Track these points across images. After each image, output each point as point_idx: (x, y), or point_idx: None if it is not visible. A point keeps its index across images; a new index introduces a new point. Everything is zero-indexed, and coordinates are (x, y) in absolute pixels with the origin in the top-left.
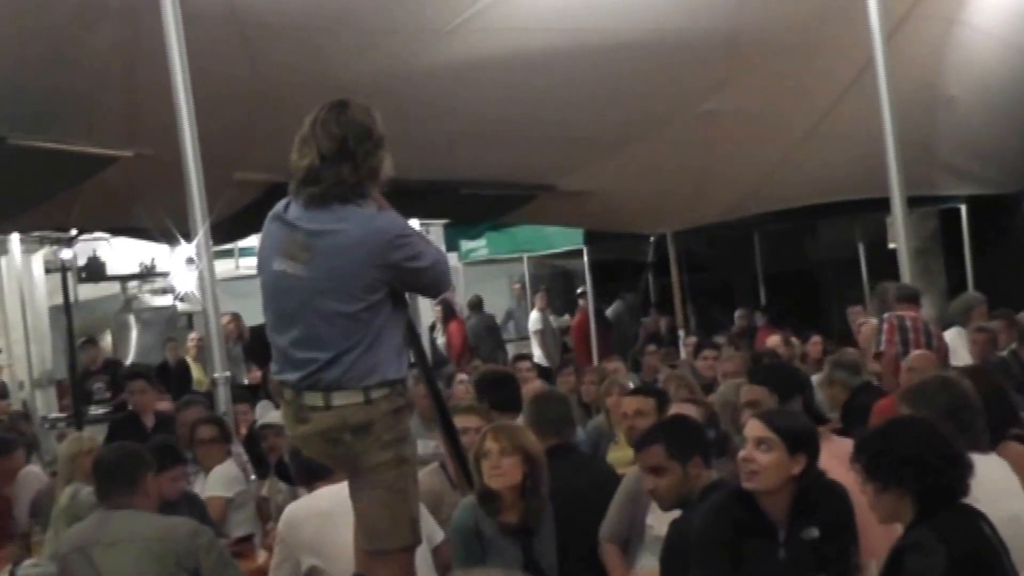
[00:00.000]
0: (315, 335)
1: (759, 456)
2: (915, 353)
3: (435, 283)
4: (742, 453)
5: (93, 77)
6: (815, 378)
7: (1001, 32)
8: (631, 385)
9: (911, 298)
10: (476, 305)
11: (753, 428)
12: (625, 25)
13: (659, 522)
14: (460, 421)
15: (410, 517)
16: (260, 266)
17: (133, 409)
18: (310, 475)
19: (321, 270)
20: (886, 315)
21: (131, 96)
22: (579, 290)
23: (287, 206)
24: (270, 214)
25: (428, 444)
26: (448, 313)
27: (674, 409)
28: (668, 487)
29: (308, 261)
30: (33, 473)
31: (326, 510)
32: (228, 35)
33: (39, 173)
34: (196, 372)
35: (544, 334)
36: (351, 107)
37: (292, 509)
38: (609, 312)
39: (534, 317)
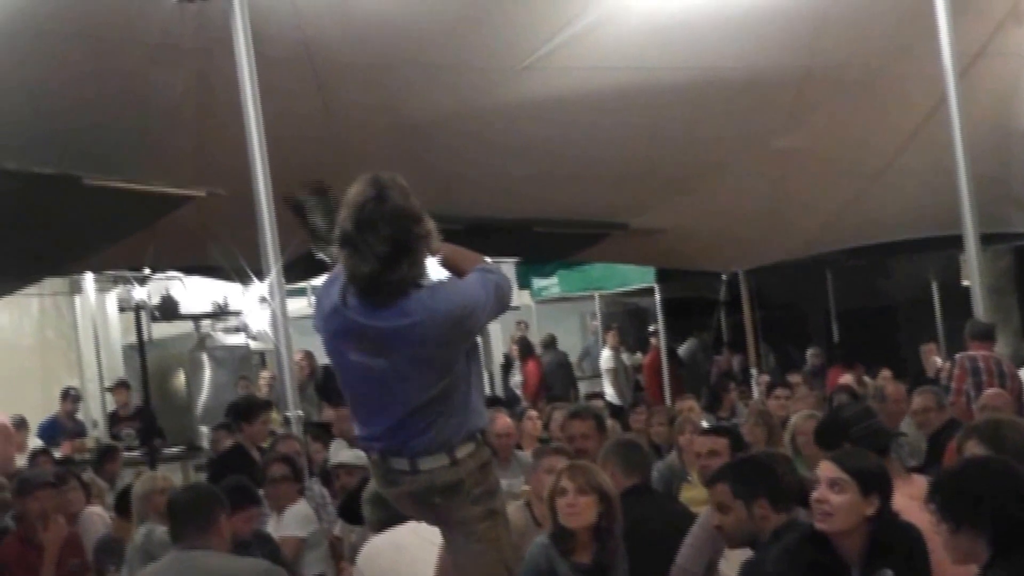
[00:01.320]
0: (399, 418)
1: (832, 497)
2: (989, 392)
3: (500, 313)
4: (815, 494)
5: (167, 117)
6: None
7: None
8: (704, 424)
9: (984, 335)
10: (550, 344)
11: (826, 469)
12: (697, 63)
13: (731, 564)
14: (548, 462)
15: (505, 566)
16: (331, 350)
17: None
18: (382, 526)
19: (400, 362)
20: (957, 356)
21: (204, 135)
22: (651, 328)
23: (344, 297)
24: (331, 304)
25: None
26: (525, 351)
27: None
28: (733, 525)
29: (385, 355)
30: (96, 514)
31: (403, 544)
32: (301, 74)
33: (114, 212)
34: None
35: (616, 372)
36: (389, 192)
37: (371, 543)
38: (682, 351)
39: (606, 355)
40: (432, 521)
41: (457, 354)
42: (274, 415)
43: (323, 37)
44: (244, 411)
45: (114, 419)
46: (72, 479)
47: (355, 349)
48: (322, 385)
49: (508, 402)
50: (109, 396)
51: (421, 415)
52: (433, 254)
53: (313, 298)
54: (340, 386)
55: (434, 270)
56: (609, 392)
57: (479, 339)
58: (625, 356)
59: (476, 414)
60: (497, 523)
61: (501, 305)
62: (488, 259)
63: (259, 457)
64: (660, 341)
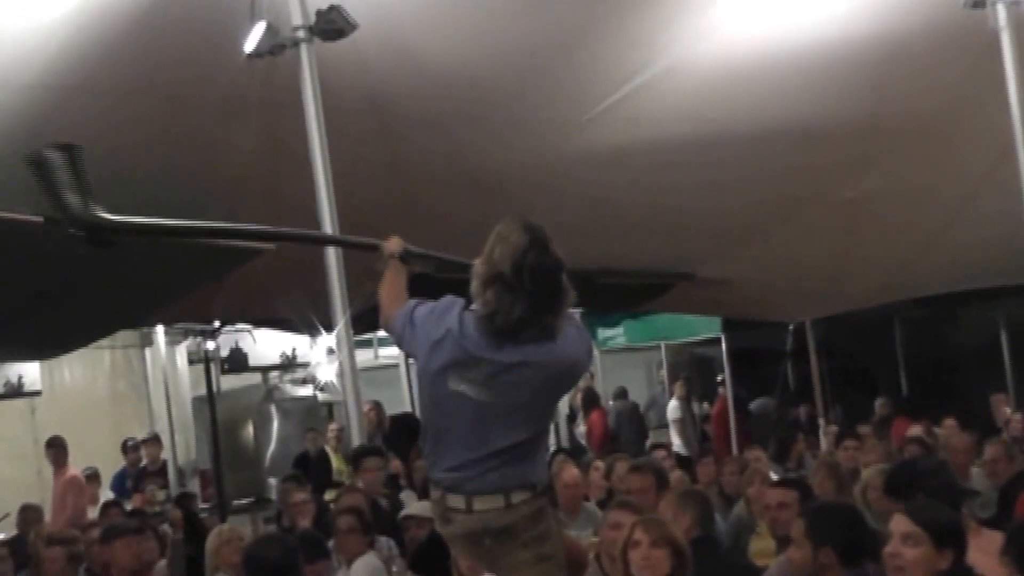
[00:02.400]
0: (480, 456)
1: (906, 551)
2: None
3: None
4: (888, 548)
5: (237, 172)
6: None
7: None
8: (773, 475)
9: None
10: (621, 395)
11: (899, 523)
12: (763, 114)
13: None
14: (615, 516)
15: None
16: (430, 377)
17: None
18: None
19: (504, 400)
20: (1014, 415)
21: (274, 188)
22: (719, 378)
23: (461, 324)
24: (444, 330)
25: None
26: (590, 401)
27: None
28: (801, 562)
29: (493, 390)
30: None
31: None
32: (368, 126)
33: (184, 267)
34: (336, 462)
35: (683, 423)
36: (549, 244)
37: None
38: (753, 407)
39: (673, 405)
40: (484, 564)
41: (555, 405)
42: (342, 467)
43: (390, 89)
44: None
45: (143, 474)
46: (148, 529)
47: (460, 378)
48: (389, 436)
49: (573, 452)
50: (179, 447)
51: (499, 457)
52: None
53: (380, 350)
54: (424, 419)
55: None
56: (677, 443)
57: None
58: (693, 406)
59: (541, 466)
60: (548, 569)
61: (589, 363)
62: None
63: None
64: (727, 391)
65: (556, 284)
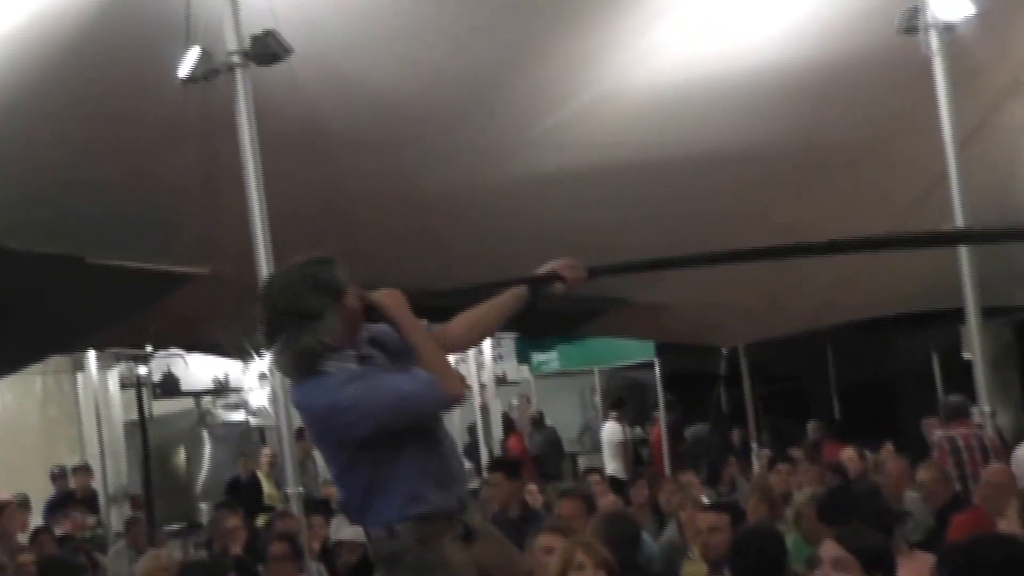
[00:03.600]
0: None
1: None
2: (992, 468)
3: (405, 422)
4: (818, 573)
5: (171, 196)
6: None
7: None
8: (705, 499)
9: (957, 413)
10: (537, 421)
11: (829, 548)
12: (697, 139)
13: None
14: (546, 540)
15: None
16: None
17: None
18: None
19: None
20: (936, 438)
21: (208, 214)
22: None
23: None
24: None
25: None
26: (507, 427)
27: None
28: None
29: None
30: None
31: None
32: (304, 152)
33: (117, 292)
34: (268, 487)
35: (616, 446)
36: (275, 282)
37: None
38: (689, 432)
39: (607, 429)
40: None
41: (333, 447)
42: (273, 492)
43: (325, 113)
44: None
45: (66, 500)
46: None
47: None
48: None
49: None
50: (110, 473)
51: (347, 488)
52: (316, 353)
53: None
54: None
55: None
56: (611, 467)
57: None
58: (627, 430)
59: (413, 501)
60: None
61: (402, 418)
62: (434, 367)
63: None
64: (660, 415)
65: (272, 318)
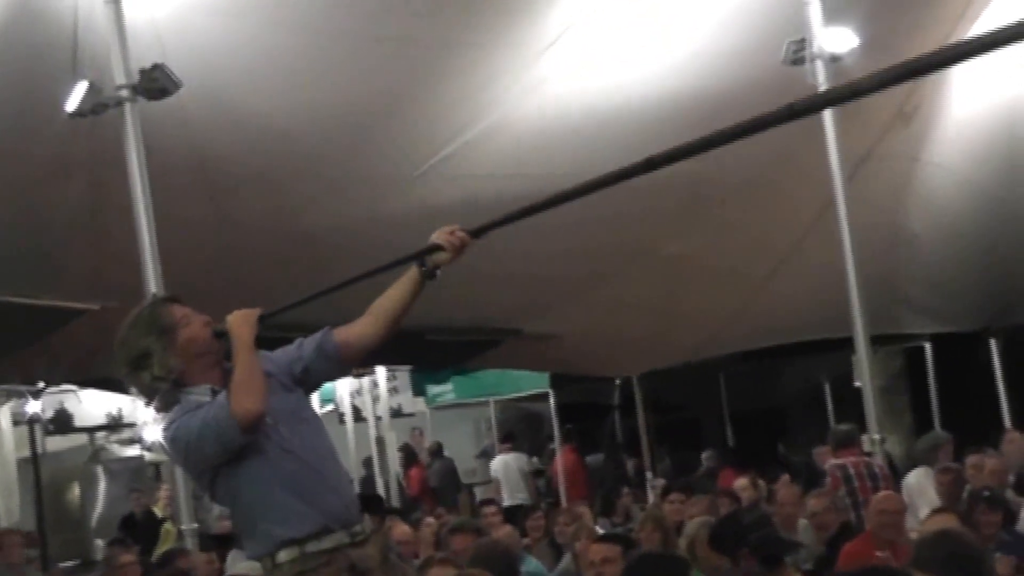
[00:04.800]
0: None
1: None
2: (880, 495)
3: (220, 443)
4: None
5: (60, 231)
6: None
7: (961, 169)
8: (599, 530)
9: (845, 441)
10: (436, 451)
11: None
12: (585, 171)
13: None
14: (439, 572)
15: None
16: None
17: None
18: None
19: None
20: (827, 465)
21: (97, 249)
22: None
23: None
24: None
25: None
26: (409, 459)
27: None
28: None
29: None
30: None
31: None
32: (194, 185)
33: (6, 327)
34: (167, 523)
35: (525, 476)
36: (130, 320)
37: None
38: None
39: (501, 461)
40: None
41: (196, 476)
42: (169, 527)
43: (216, 146)
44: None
45: None
46: None
47: None
48: None
49: (405, 510)
50: (2, 510)
51: (233, 519)
52: (157, 389)
53: None
54: None
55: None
56: (522, 497)
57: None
58: (525, 461)
59: (261, 543)
60: None
61: (221, 445)
62: (233, 384)
63: None
64: (556, 445)
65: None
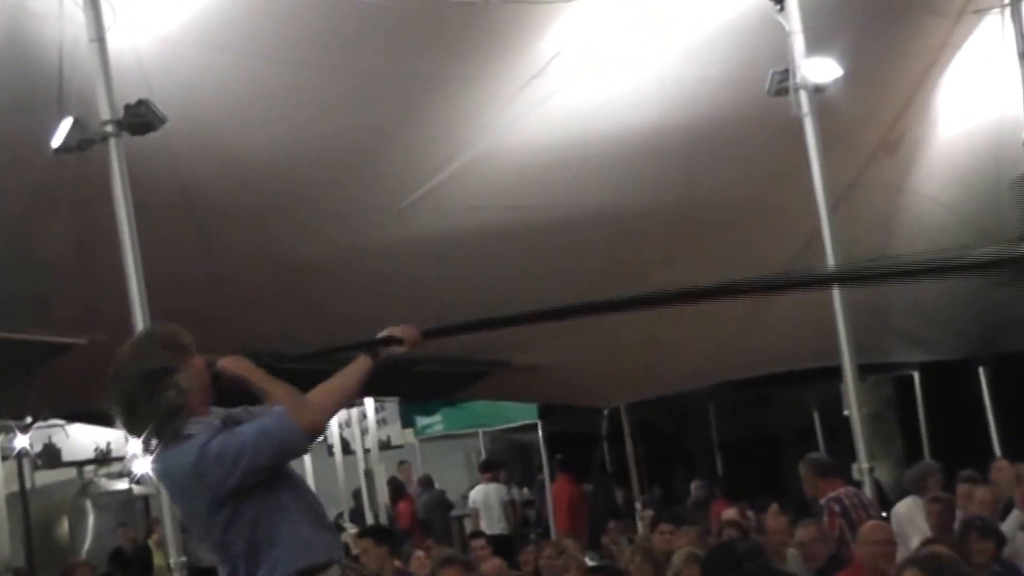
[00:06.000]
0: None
1: None
2: (869, 525)
3: (278, 453)
4: None
5: (47, 266)
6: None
7: (947, 199)
8: (588, 562)
9: (830, 470)
10: (427, 483)
11: None
12: (571, 201)
13: None
14: None
15: None
16: None
17: None
18: None
19: (181, 510)
20: (823, 501)
21: (85, 284)
22: (554, 459)
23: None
24: None
25: None
26: (397, 492)
27: None
28: None
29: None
30: None
31: None
32: (181, 220)
33: None
34: (158, 557)
35: (505, 506)
36: (132, 350)
37: None
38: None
39: (482, 491)
40: None
41: (203, 505)
42: (159, 561)
43: (201, 181)
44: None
45: None
46: None
47: None
48: None
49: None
50: None
51: (232, 549)
52: (178, 407)
53: None
54: None
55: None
56: (500, 527)
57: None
58: (501, 489)
59: (301, 548)
60: None
61: (275, 456)
62: (284, 401)
63: None
64: (545, 476)
65: (131, 391)
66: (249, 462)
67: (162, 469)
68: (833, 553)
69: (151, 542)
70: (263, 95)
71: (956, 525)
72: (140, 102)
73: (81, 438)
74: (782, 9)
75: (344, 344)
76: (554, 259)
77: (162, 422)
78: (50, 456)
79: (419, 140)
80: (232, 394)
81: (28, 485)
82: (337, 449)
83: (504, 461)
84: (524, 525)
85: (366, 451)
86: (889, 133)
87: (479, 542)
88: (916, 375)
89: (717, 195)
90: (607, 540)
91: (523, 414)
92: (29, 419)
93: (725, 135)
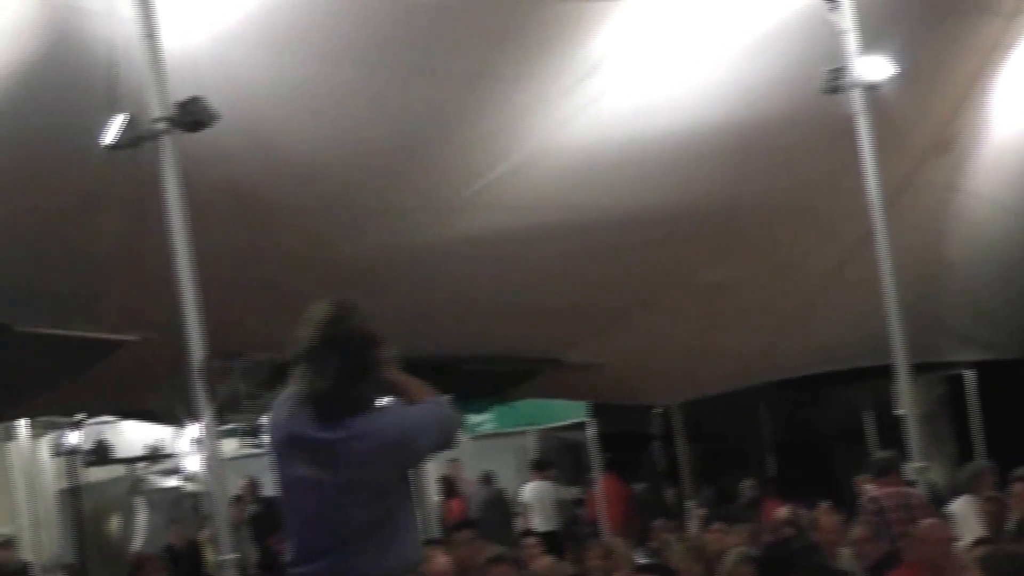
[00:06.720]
0: (340, 539)
1: None
2: (928, 523)
3: (444, 448)
4: None
5: (99, 265)
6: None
7: (999, 197)
8: (638, 560)
9: (882, 470)
10: (485, 480)
11: None
12: (624, 201)
13: None
14: None
15: None
16: (277, 464)
17: None
18: None
19: (344, 479)
20: (861, 500)
21: (136, 281)
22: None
23: (289, 408)
24: (281, 416)
25: None
26: (449, 490)
27: None
28: None
29: (332, 469)
30: None
31: None
32: (230, 217)
33: (46, 359)
34: (209, 554)
35: (554, 505)
36: (353, 314)
37: None
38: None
39: (533, 488)
40: None
41: (392, 480)
42: (210, 558)
43: (252, 178)
44: None
45: None
46: None
47: (302, 462)
48: (257, 517)
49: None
50: (46, 542)
51: (358, 543)
52: (389, 380)
53: (247, 439)
54: (282, 505)
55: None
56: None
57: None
58: (553, 487)
59: (414, 547)
60: None
61: (445, 440)
62: (439, 395)
63: None
64: (595, 474)
65: (362, 355)
66: (436, 444)
67: (357, 431)
68: (886, 552)
69: (202, 538)
70: (315, 94)
71: (1009, 524)
72: (192, 99)
73: (132, 435)
74: (835, 8)
75: None
76: (603, 259)
77: (376, 387)
78: (101, 453)
79: (469, 140)
80: None
81: (80, 482)
82: None
83: (553, 460)
84: (574, 524)
85: None
86: (942, 132)
87: (530, 540)
88: (969, 374)
89: (768, 194)
90: (654, 537)
91: (573, 412)
92: (80, 416)
93: (776, 136)
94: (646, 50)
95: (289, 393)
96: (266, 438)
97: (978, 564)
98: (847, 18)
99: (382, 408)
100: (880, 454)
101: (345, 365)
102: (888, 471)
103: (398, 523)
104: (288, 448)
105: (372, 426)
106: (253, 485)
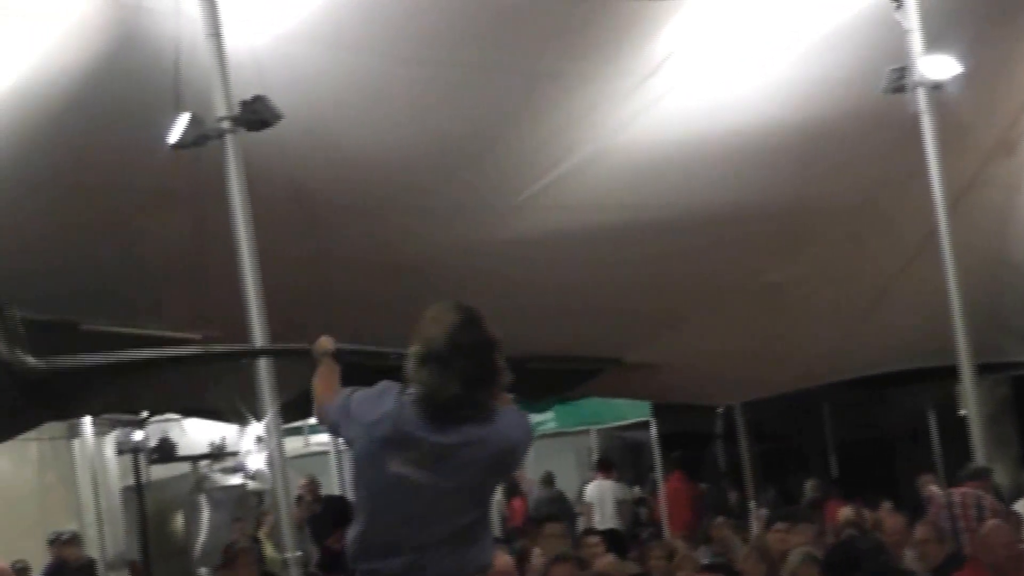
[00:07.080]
0: (431, 540)
1: None
2: (991, 525)
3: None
4: None
5: (162, 262)
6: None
7: None
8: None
9: (972, 476)
10: (547, 481)
11: None
12: (686, 200)
13: None
14: None
15: None
16: (368, 459)
17: None
18: None
19: (446, 481)
20: (933, 493)
21: (200, 278)
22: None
23: (400, 406)
24: (381, 411)
25: None
26: (511, 488)
27: None
28: None
29: (435, 471)
30: None
31: None
32: (293, 217)
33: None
34: (268, 548)
35: (617, 504)
36: (482, 322)
37: None
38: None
39: (597, 487)
40: None
41: (493, 488)
42: (275, 555)
43: (315, 178)
44: None
45: (60, 569)
46: None
47: (401, 460)
48: (317, 517)
49: (506, 539)
50: (108, 539)
51: (448, 543)
52: (504, 387)
53: (310, 437)
54: (359, 506)
55: None
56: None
57: None
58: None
59: (489, 548)
60: None
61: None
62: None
63: None
64: (657, 474)
65: (490, 361)
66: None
67: (495, 432)
68: (951, 553)
69: (261, 533)
70: (377, 93)
71: None
72: (256, 98)
73: (195, 433)
74: (900, 7)
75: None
76: (668, 257)
77: (497, 393)
78: (165, 450)
79: (531, 138)
80: None
81: (144, 479)
82: None
83: (615, 459)
84: (635, 524)
85: None
86: (1007, 132)
87: (592, 539)
88: None
89: (831, 195)
90: (715, 535)
91: (635, 412)
92: (145, 414)
93: (841, 135)
94: (710, 49)
95: (399, 390)
96: (353, 431)
97: None
98: (912, 17)
99: (491, 415)
100: (971, 464)
101: (472, 371)
102: (982, 476)
103: (483, 527)
104: (391, 445)
105: (485, 434)
106: (313, 484)
